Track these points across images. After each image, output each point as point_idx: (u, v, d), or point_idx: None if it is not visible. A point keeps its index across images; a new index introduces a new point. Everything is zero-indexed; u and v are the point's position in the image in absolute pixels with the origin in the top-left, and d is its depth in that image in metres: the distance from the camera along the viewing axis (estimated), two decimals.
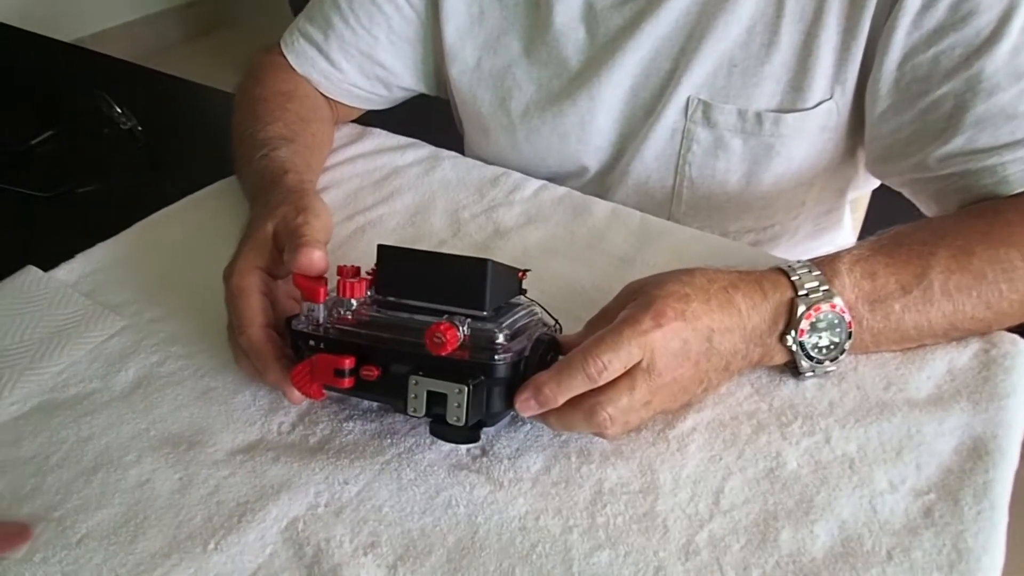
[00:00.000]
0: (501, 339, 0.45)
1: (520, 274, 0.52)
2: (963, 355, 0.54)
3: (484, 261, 0.47)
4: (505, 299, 0.50)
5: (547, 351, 0.48)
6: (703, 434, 0.50)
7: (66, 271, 0.67)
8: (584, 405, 0.46)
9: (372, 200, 0.74)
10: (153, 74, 1.05)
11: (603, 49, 0.70)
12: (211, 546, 0.45)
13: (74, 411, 0.54)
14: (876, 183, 0.79)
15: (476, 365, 0.45)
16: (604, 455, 0.49)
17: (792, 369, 0.53)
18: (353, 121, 0.87)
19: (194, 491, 0.48)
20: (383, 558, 0.44)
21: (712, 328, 0.47)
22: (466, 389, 0.44)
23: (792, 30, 0.64)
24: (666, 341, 0.45)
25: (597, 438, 0.50)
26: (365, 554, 0.45)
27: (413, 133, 0.83)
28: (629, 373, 0.46)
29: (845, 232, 0.83)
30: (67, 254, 0.69)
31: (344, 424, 0.52)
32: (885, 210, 0.93)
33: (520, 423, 0.51)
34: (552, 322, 0.52)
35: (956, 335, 0.54)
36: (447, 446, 0.50)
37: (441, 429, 0.47)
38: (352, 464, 0.49)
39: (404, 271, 0.49)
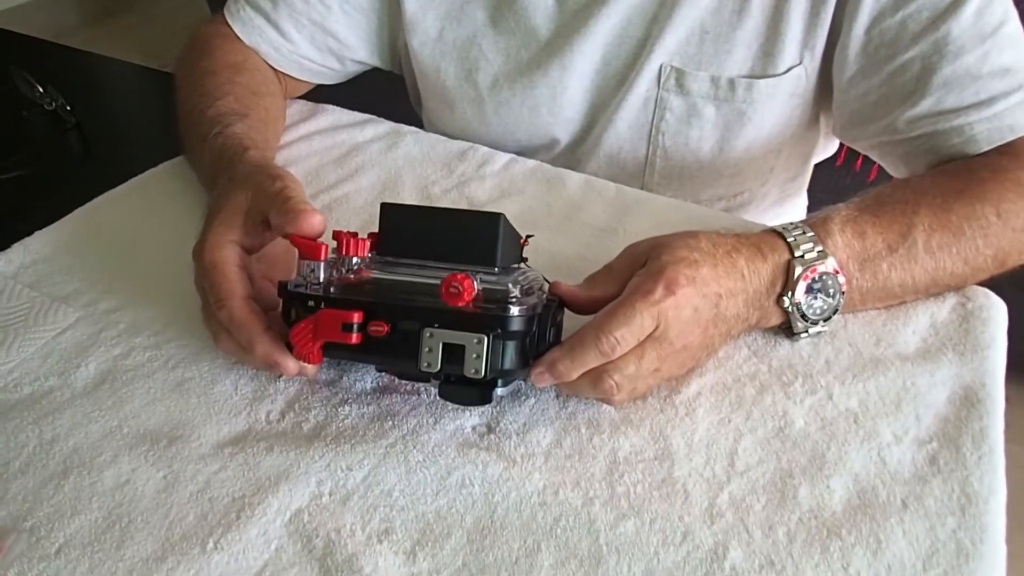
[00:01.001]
0: (515, 292, 0.44)
1: (522, 241, 0.50)
2: (942, 309, 0.55)
3: (496, 215, 0.45)
4: (509, 262, 0.48)
5: (556, 311, 0.48)
6: (709, 398, 0.50)
7: (3, 262, 0.61)
8: (590, 372, 0.45)
9: (335, 178, 0.70)
10: (73, 52, 0.97)
11: (573, 17, 0.68)
12: (210, 545, 0.42)
13: (32, 412, 0.49)
14: (834, 150, 0.81)
15: (491, 317, 0.43)
16: (614, 424, 0.48)
17: (786, 330, 0.53)
18: (301, 97, 0.82)
19: (182, 489, 0.45)
20: (399, 544, 0.42)
21: (720, 294, 0.47)
22: (486, 339, 0.42)
23: None
24: (679, 310, 0.45)
25: (604, 407, 0.49)
26: (380, 541, 0.42)
27: (361, 110, 0.79)
28: (639, 342, 0.45)
29: (803, 198, 0.85)
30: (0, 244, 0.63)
31: (339, 409, 0.49)
32: (826, 182, 0.96)
33: (524, 397, 0.50)
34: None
35: (935, 291, 0.55)
36: (452, 425, 0.48)
37: (452, 390, 0.45)
38: (354, 449, 0.47)
39: (409, 229, 0.47)
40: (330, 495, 0.44)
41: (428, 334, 0.43)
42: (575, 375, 0.45)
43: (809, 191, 0.87)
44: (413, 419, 0.48)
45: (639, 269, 0.48)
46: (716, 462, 0.46)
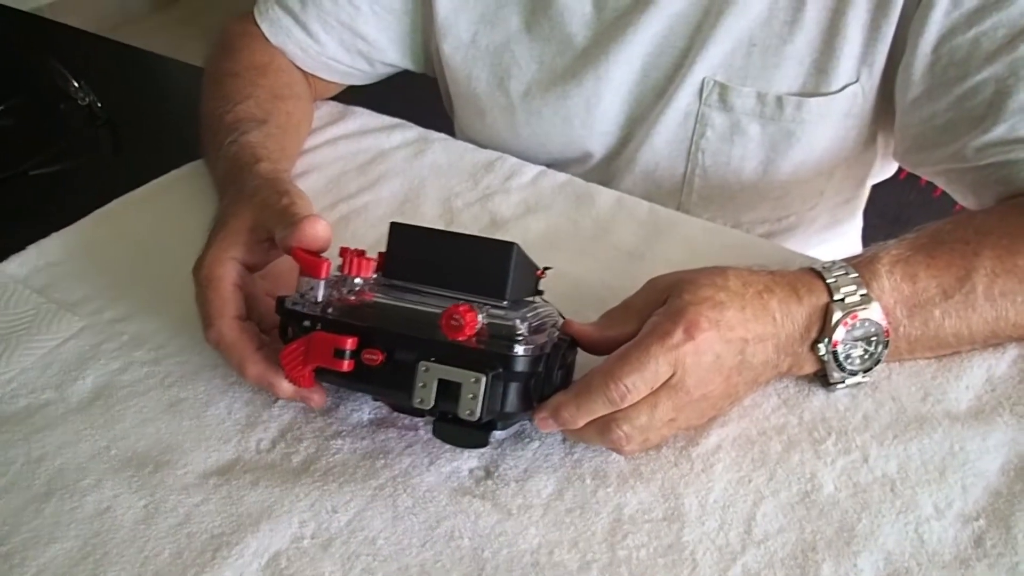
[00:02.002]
0: (523, 330, 0.41)
1: (539, 272, 0.47)
2: (1001, 362, 0.50)
3: (509, 244, 0.42)
4: (522, 294, 0.45)
5: (567, 351, 0.44)
6: (729, 452, 0.45)
7: (16, 264, 0.60)
8: (598, 420, 0.42)
9: (356, 186, 0.68)
10: (114, 45, 0.97)
11: (612, 25, 0.64)
12: None
13: (24, 426, 0.48)
14: (893, 171, 0.75)
15: (494, 355, 0.40)
16: (622, 477, 0.44)
17: (821, 378, 0.49)
18: (332, 98, 0.80)
19: (161, 521, 0.43)
20: None
21: (746, 339, 0.43)
22: (484, 378, 0.39)
23: (818, 6, 0.59)
24: (699, 356, 0.41)
25: (613, 455, 0.45)
26: None
27: (396, 113, 0.77)
28: (652, 390, 0.41)
29: (858, 222, 0.79)
30: (18, 245, 0.62)
31: (331, 442, 0.47)
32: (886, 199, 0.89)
33: (528, 439, 0.47)
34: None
35: (995, 342, 0.50)
36: (448, 467, 0.45)
37: (447, 429, 0.43)
38: (341, 489, 0.44)
39: (417, 252, 0.45)
40: (312, 538, 0.42)
41: (424, 368, 0.40)
42: (581, 423, 0.42)
43: (868, 208, 0.81)
44: (407, 458, 0.46)
45: (659, 307, 0.44)
46: (731, 528, 0.42)
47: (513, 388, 0.41)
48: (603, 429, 0.42)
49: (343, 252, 0.45)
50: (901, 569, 0.40)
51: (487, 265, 0.43)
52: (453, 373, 0.40)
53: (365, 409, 0.49)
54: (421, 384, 0.40)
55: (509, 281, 0.42)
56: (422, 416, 0.47)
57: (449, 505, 0.43)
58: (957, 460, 0.44)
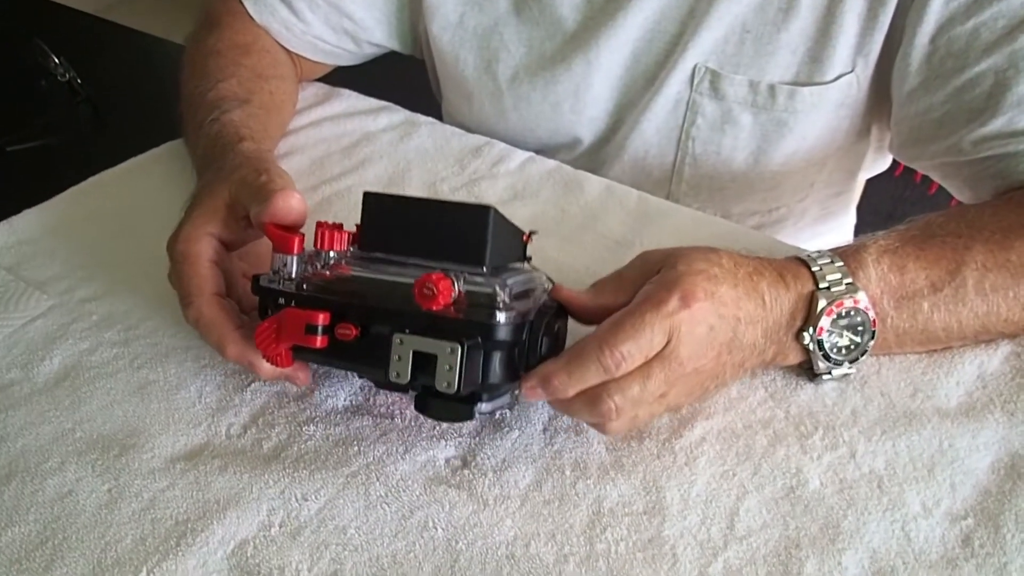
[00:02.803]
0: (503, 296, 0.39)
1: (525, 236, 0.45)
2: (994, 359, 0.49)
3: (486, 208, 0.40)
4: (506, 260, 0.43)
5: (555, 319, 0.42)
6: (713, 445, 0.44)
7: None
8: (588, 391, 0.40)
9: (340, 169, 0.66)
10: (98, 23, 0.95)
11: (602, 9, 0.63)
12: (142, 574, 0.38)
13: None
14: (886, 165, 0.74)
15: (472, 324, 0.38)
16: (603, 468, 0.43)
17: (807, 370, 0.47)
18: (319, 80, 0.79)
19: (125, 506, 0.41)
20: None
21: (739, 317, 0.42)
22: (459, 348, 0.37)
23: None
24: (693, 325, 0.39)
25: (594, 447, 0.44)
26: None
27: (385, 95, 0.75)
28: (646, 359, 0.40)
29: (850, 217, 0.78)
30: None
31: (304, 428, 0.45)
32: (881, 195, 0.88)
33: (507, 429, 0.45)
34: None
35: (986, 337, 0.49)
36: (423, 455, 0.44)
37: (429, 403, 0.41)
38: (312, 476, 0.43)
39: (392, 221, 0.43)
40: (280, 526, 0.40)
41: (398, 340, 0.38)
42: (572, 392, 0.40)
43: (863, 203, 0.80)
44: (382, 446, 0.44)
45: (652, 278, 0.42)
46: (713, 523, 0.41)
47: (495, 358, 0.39)
48: (593, 399, 0.40)
49: (318, 226, 0.43)
50: (887, 568, 0.39)
51: (464, 231, 0.41)
52: (428, 344, 0.38)
53: (340, 395, 0.47)
54: (396, 357, 0.38)
55: (488, 246, 0.40)
56: (406, 392, 0.45)
57: (423, 495, 0.42)
58: (946, 457, 0.43)
